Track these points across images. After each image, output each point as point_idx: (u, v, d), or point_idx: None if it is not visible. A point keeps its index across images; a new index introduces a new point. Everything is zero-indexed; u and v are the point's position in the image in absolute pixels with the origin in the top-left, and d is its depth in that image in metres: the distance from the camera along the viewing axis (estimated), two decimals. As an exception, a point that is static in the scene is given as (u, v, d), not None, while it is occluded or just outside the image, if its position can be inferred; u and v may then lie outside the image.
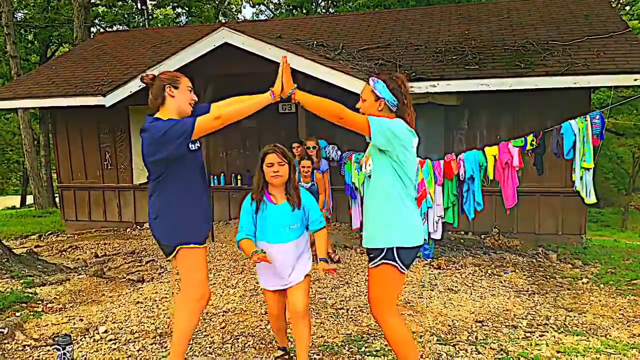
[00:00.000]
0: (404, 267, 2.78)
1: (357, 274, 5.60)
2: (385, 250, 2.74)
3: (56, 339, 3.46)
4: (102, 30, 20.62)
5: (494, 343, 3.74)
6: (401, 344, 2.81)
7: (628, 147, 21.80)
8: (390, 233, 2.74)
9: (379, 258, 2.76)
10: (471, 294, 4.93)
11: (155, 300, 4.82)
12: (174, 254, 2.97)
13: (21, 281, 5.31)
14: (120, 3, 21.28)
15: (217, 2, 23.33)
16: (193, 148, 2.98)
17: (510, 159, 5.66)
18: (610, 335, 3.92)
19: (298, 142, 6.28)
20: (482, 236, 7.64)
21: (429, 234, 5.97)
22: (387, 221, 2.75)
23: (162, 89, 2.93)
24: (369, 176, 2.84)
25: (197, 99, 3.05)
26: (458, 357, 3.53)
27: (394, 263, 2.74)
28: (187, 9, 22.78)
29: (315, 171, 5.85)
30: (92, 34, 17.43)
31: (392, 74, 2.86)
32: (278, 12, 25.11)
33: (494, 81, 6.66)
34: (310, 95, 2.77)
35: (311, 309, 4.47)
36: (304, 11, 21.56)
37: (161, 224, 2.96)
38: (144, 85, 3.03)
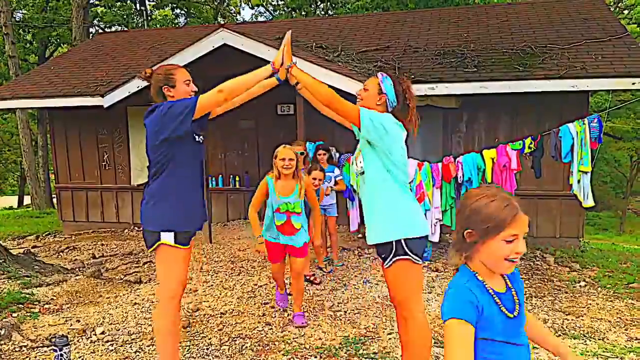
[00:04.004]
0: (418, 258, 2.76)
1: (355, 276, 5.60)
2: (394, 245, 2.73)
3: (53, 340, 3.45)
4: (100, 30, 20.60)
5: (492, 346, 3.74)
6: (425, 341, 2.80)
7: (626, 150, 21.86)
8: (393, 226, 2.73)
9: (391, 256, 2.74)
10: (469, 297, 4.92)
11: (153, 302, 4.81)
12: (155, 246, 2.92)
13: (18, 282, 5.30)
14: (119, 4, 21.26)
15: (216, 4, 23.33)
16: (198, 139, 2.97)
17: (508, 162, 5.67)
18: (607, 339, 3.92)
19: (324, 149, 5.93)
20: (480, 239, 7.63)
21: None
22: (388, 215, 2.75)
23: (159, 90, 2.93)
24: (362, 173, 2.84)
25: (196, 89, 3.02)
26: (456, 360, 3.52)
27: (406, 256, 2.73)
28: (186, 10, 22.78)
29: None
30: (91, 35, 17.41)
31: (399, 77, 2.87)
32: (277, 13, 25.12)
33: (492, 84, 6.67)
34: (306, 74, 2.76)
35: (309, 312, 4.47)
36: (303, 13, 21.58)
37: (152, 208, 2.92)
38: (142, 80, 3.02)
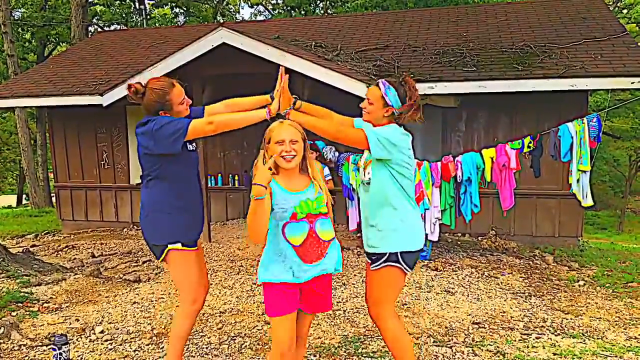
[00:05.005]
0: (409, 268, 2.76)
1: (354, 275, 5.60)
2: (388, 254, 2.72)
3: (52, 338, 3.45)
4: (99, 29, 20.57)
5: (491, 345, 3.75)
6: (399, 345, 2.79)
7: (625, 149, 21.89)
8: (393, 239, 2.72)
9: (382, 261, 2.74)
10: (468, 296, 4.93)
11: (152, 301, 4.81)
12: (163, 256, 2.94)
13: (17, 281, 5.29)
14: (118, 2, 21.24)
15: (215, 2, 23.31)
16: (191, 148, 2.98)
17: (507, 161, 5.67)
18: (606, 338, 3.92)
19: (311, 148, 5.91)
20: (479, 238, 7.65)
21: (426, 235, 5.97)
22: (390, 227, 2.73)
23: (155, 113, 2.89)
24: (368, 183, 2.82)
25: (191, 101, 3.03)
26: (455, 359, 3.53)
27: (397, 265, 2.73)
28: (185, 9, 22.76)
29: None
30: (90, 33, 17.38)
31: (401, 78, 2.83)
32: (276, 12, 25.11)
33: (491, 83, 6.67)
34: (306, 115, 2.75)
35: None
36: (303, 12, 21.57)
37: (151, 222, 2.94)
38: (134, 97, 2.90)
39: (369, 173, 2.80)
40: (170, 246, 2.91)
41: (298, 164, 2.51)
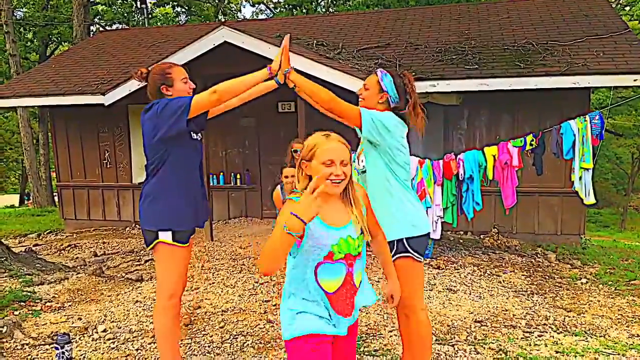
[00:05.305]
0: (420, 256, 2.74)
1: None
2: (395, 244, 2.71)
3: (55, 337, 3.46)
4: (101, 28, 20.60)
5: (493, 343, 3.74)
6: (426, 338, 2.79)
7: (627, 147, 21.84)
8: (395, 225, 2.71)
9: (391, 254, 2.74)
10: (470, 294, 4.93)
11: (154, 300, 4.81)
12: (153, 245, 2.90)
13: (20, 280, 5.30)
14: (119, 2, 21.26)
15: (216, 1, 23.31)
16: (195, 137, 2.96)
17: (509, 159, 5.66)
18: (609, 336, 3.92)
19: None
20: (481, 236, 7.64)
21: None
22: (389, 214, 2.72)
23: (157, 90, 2.92)
24: (363, 171, 2.83)
25: (195, 86, 3.03)
26: (457, 357, 3.53)
27: (407, 254, 2.71)
28: (186, 7, 22.76)
29: None
30: (92, 33, 17.40)
31: (400, 71, 2.86)
32: (278, 11, 25.08)
33: (493, 81, 6.66)
34: (305, 79, 2.73)
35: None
36: (304, 10, 21.54)
37: (149, 207, 2.91)
38: (138, 80, 2.99)
39: (362, 161, 2.81)
40: (160, 237, 2.86)
41: (343, 188, 2.03)
